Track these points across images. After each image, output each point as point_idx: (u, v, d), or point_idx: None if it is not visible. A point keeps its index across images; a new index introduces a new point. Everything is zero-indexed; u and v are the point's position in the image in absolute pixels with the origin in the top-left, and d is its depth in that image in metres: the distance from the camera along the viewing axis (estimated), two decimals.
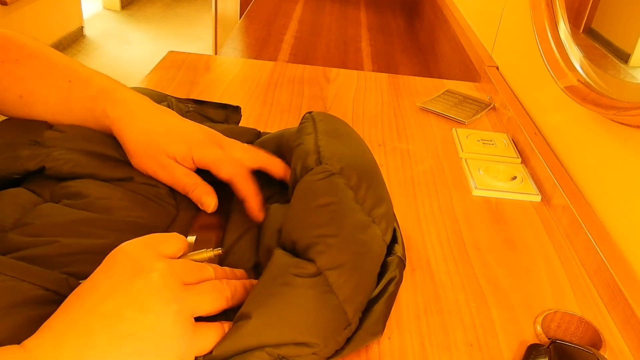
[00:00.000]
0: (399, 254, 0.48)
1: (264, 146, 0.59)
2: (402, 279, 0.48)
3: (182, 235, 0.40)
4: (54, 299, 0.36)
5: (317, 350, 0.39)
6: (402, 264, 0.48)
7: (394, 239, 0.49)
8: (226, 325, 0.39)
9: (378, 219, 0.46)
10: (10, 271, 0.37)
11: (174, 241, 0.39)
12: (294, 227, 0.44)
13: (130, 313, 0.33)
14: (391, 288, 0.46)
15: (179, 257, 0.40)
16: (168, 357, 0.34)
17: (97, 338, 0.32)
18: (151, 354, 0.33)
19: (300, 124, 0.56)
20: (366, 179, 0.48)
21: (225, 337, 0.38)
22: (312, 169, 0.48)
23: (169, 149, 0.52)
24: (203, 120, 0.66)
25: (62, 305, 0.34)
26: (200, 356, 0.37)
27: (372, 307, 0.44)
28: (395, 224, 0.50)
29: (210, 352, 0.37)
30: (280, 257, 0.42)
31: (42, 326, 0.33)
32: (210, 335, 0.37)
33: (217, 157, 0.53)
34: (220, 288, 0.39)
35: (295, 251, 0.43)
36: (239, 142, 0.56)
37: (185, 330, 0.35)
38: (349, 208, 0.45)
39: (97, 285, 0.34)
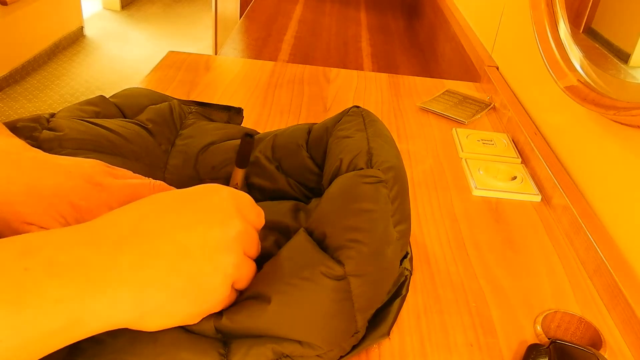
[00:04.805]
0: (408, 267, 0.50)
1: (260, 139, 0.60)
2: (407, 293, 0.49)
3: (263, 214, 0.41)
4: None
5: (321, 353, 0.39)
6: (409, 279, 0.50)
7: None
8: (235, 294, 0.39)
9: (399, 235, 0.46)
10: None
11: (257, 214, 0.39)
12: (329, 221, 0.44)
13: (197, 255, 0.33)
14: (397, 303, 0.47)
15: None
16: (206, 305, 0.35)
17: (160, 263, 0.32)
18: (191, 298, 0.34)
19: (346, 114, 0.56)
20: (401, 194, 0.48)
21: (239, 310, 0.38)
22: (362, 169, 0.48)
23: (29, 217, 0.41)
24: (206, 122, 0.66)
25: (141, 204, 0.34)
26: (211, 320, 0.38)
27: (379, 318, 0.45)
28: (409, 241, 0.51)
29: (221, 315, 0.38)
30: (306, 243, 0.42)
31: (103, 220, 0.32)
32: (230, 299, 0.38)
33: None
34: (254, 271, 0.40)
35: (322, 244, 0.42)
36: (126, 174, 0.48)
37: (227, 290, 0.36)
38: (386, 220, 0.45)
39: (183, 214, 0.35)
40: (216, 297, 0.35)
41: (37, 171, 0.44)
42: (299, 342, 0.38)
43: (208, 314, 0.37)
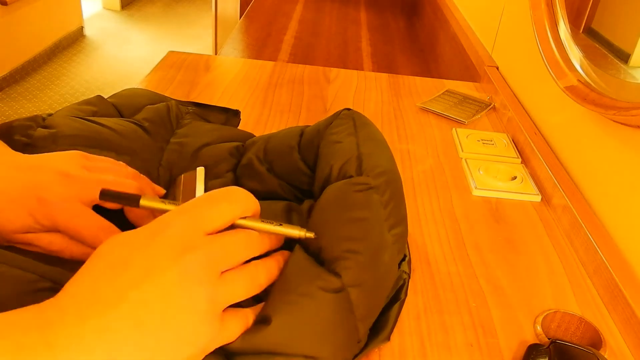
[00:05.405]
0: (406, 270, 0.50)
1: (254, 143, 0.60)
2: (406, 297, 0.49)
3: (245, 197, 0.38)
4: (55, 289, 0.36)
5: None
6: (407, 282, 0.50)
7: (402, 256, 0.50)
8: (250, 315, 0.37)
9: (395, 238, 0.46)
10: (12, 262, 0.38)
11: (228, 208, 0.36)
12: (323, 233, 0.43)
13: (159, 305, 0.31)
14: (396, 307, 0.47)
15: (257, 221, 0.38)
16: (193, 348, 0.33)
17: (122, 324, 0.30)
18: (175, 345, 0.32)
19: (338, 117, 0.56)
20: (395, 197, 0.48)
21: (243, 334, 0.37)
22: (351, 176, 0.47)
23: (13, 224, 0.43)
24: (202, 123, 0.66)
25: (89, 269, 0.32)
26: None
27: (379, 325, 0.45)
28: (407, 243, 0.51)
29: None
30: (303, 260, 0.41)
31: (64, 292, 0.31)
32: (236, 327, 0.37)
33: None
34: (255, 275, 0.37)
35: (319, 257, 0.42)
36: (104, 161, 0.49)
37: (214, 324, 0.34)
38: (379, 226, 0.45)
39: (132, 263, 0.32)
40: (204, 335, 0.33)
41: (8, 172, 0.44)
42: (304, 357, 0.38)
43: (210, 349, 0.35)
